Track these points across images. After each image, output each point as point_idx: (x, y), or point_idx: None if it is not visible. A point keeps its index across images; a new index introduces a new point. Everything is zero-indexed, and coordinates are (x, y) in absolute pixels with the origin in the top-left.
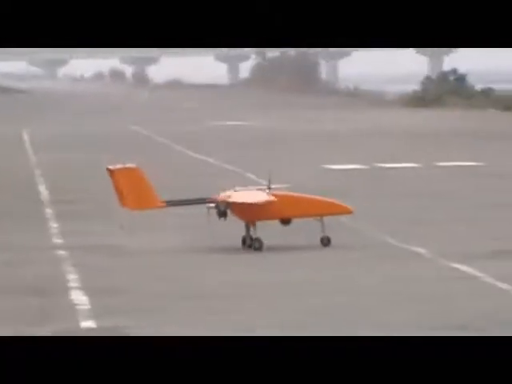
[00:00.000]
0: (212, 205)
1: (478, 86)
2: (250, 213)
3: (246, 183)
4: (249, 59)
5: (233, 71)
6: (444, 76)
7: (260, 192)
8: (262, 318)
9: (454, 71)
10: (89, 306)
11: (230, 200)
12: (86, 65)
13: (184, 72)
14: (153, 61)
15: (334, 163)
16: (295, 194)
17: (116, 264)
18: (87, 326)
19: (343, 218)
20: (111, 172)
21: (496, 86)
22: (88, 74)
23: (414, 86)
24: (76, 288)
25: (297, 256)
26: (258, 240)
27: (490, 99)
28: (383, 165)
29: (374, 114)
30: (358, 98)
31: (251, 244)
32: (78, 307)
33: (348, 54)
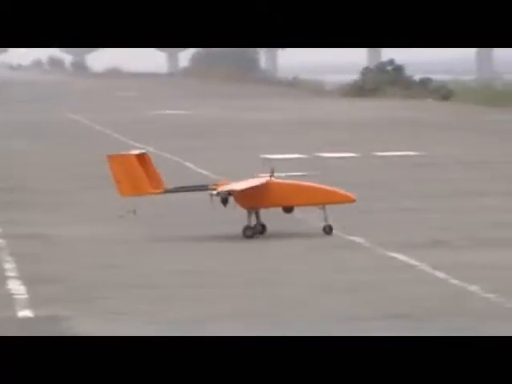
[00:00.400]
0: (214, 192)
1: (417, 77)
2: (251, 200)
3: (184, 173)
4: (188, 48)
5: (172, 60)
6: (382, 66)
7: (262, 179)
8: (211, 307)
9: (391, 62)
10: (26, 296)
11: (231, 188)
12: (26, 53)
13: (123, 61)
14: (92, 49)
15: (273, 152)
16: (299, 183)
17: (54, 253)
18: (24, 315)
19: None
20: (108, 158)
21: (434, 77)
22: (26, 62)
23: (353, 76)
24: (13, 277)
25: (245, 246)
26: (249, 228)
27: (428, 89)
28: (323, 154)
29: (313, 103)
30: (298, 87)
31: (262, 231)
32: (15, 297)
33: None
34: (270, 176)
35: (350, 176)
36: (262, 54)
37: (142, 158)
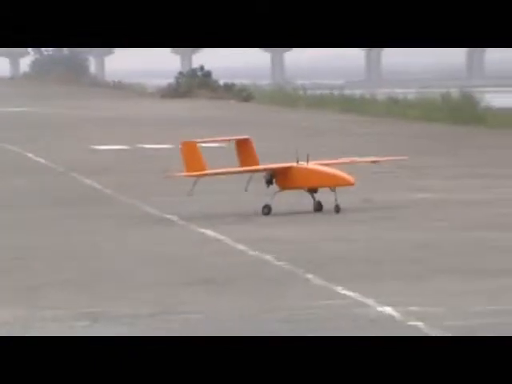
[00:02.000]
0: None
1: (222, 81)
2: (281, 182)
3: (26, 161)
4: (28, 55)
5: (14, 65)
6: (193, 72)
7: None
8: (45, 277)
9: (201, 68)
10: None
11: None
12: None
13: None
14: None
15: (102, 144)
16: (315, 168)
17: None
18: None
19: (109, 191)
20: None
21: (236, 81)
22: None
23: (169, 80)
24: None
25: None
26: (267, 206)
27: (231, 92)
28: (144, 145)
29: (136, 103)
30: (123, 90)
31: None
32: None
33: (112, 52)
34: (297, 161)
35: (166, 163)
36: (92, 60)
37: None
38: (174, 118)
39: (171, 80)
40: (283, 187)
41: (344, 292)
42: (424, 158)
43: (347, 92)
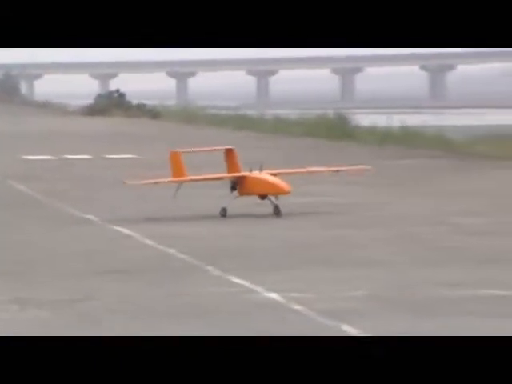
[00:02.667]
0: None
1: (135, 102)
2: (240, 189)
3: None
4: None
5: None
6: (110, 94)
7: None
8: None
9: (117, 90)
10: None
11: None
12: None
13: None
14: None
15: (32, 155)
16: (260, 177)
17: None
18: None
19: (39, 196)
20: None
21: (147, 102)
22: None
23: (89, 101)
24: None
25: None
26: (224, 209)
27: (143, 111)
28: (68, 156)
29: (60, 120)
30: (49, 108)
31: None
32: None
33: (41, 77)
34: (250, 171)
35: (87, 172)
36: (23, 83)
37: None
38: (93, 133)
39: (91, 101)
40: (240, 193)
41: (237, 281)
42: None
43: (241, 112)
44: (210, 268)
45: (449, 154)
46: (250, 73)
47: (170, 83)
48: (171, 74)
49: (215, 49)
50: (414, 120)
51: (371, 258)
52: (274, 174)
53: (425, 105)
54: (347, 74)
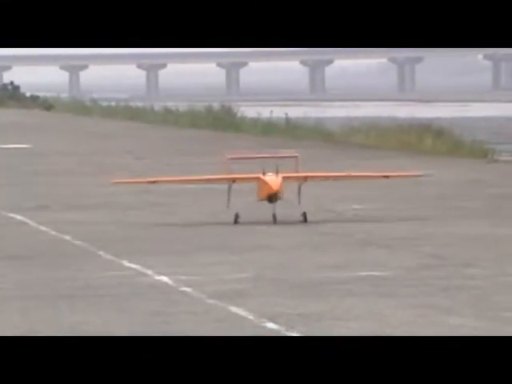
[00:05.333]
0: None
1: (28, 94)
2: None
3: None
4: None
5: None
6: (4, 86)
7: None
8: None
9: (12, 83)
10: None
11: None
12: None
13: None
14: None
15: None
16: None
17: None
18: None
19: None
20: None
21: (41, 94)
22: None
23: None
24: None
25: None
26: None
27: (36, 103)
28: None
29: None
30: None
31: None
32: None
33: None
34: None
35: None
36: None
37: None
38: None
39: None
40: (258, 198)
41: (129, 265)
42: (190, 157)
43: (131, 104)
44: (102, 253)
45: (327, 144)
46: (139, 66)
47: (63, 76)
48: (64, 68)
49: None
50: (296, 112)
51: (259, 243)
52: (306, 178)
53: (305, 98)
54: (232, 67)
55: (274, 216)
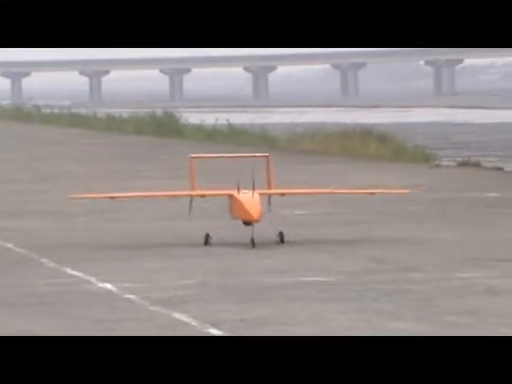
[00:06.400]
0: None
1: None
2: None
3: None
4: None
5: None
6: None
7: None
8: None
9: None
10: None
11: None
12: None
13: None
14: None
15: None
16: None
17: None
18: None
19: None
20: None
21: None
22: None
23: None
24: None
25: None
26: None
27: None
28: None
29: None
30: None
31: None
32: None
33: None
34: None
35: None
36: None
37: None
38: None
39: None
40: (231, 216)
41: (72, 272)
42: (134, 163)
43: (74, 110)
44: (45, 260)
45: (272, 150)
46: (82, 73)
47: (5, 83)
48: (5, 74)
49: (49, 49)
50: (240, 118)
51: (204, 249)
52: (283, 194)
53: (249, 104)
54: (176, 74)
55: (253, 240)
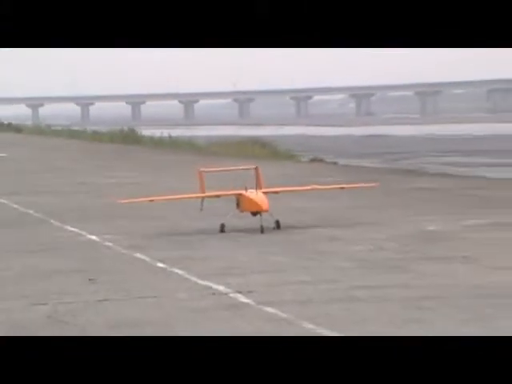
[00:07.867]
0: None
1: (5, 122)
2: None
3: None
4: None
5: None
6: None
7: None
8: None
9: None
10: None
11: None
12: None
13: None
14: None
15: None
16: (247, 195)
17: None
18: None
19: None
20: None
21: (12, 122)
22: None
23: None
24: None
25: None
26: (222, 225)
27: (10, 127)
28: None
29: None
30: None
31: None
32: None
33: None
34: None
35: None
36: None
37: None
38: None
39: None
40: (240, 210)
41: (71, 229)
42: (110, 161)
43: (71, 128)
44: (53, 221)
45: (196, 153)
46: (77, 104)
47: (27, 111)
48: (28, 105)
49: (56, 88)
50: (176, 132)
51: (159, 214)
52: (276, 192)
53: (181, 123)
54: (135, 105)
55: (262, 227)
